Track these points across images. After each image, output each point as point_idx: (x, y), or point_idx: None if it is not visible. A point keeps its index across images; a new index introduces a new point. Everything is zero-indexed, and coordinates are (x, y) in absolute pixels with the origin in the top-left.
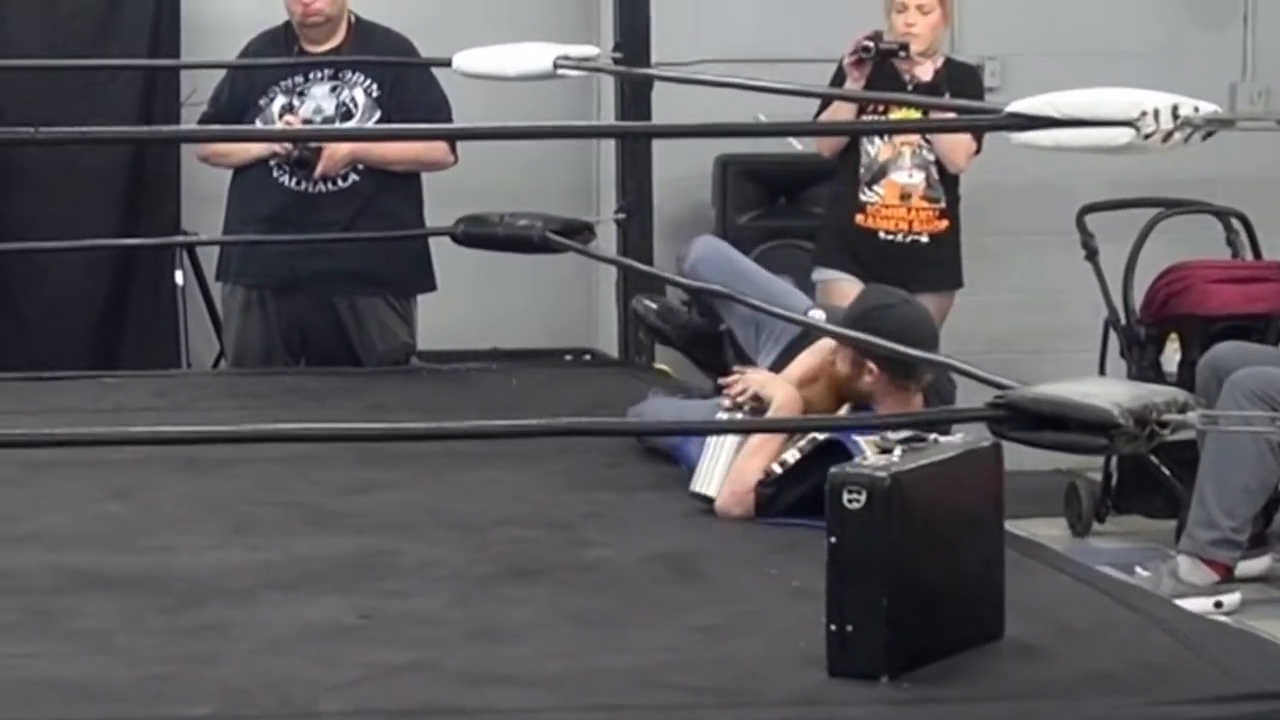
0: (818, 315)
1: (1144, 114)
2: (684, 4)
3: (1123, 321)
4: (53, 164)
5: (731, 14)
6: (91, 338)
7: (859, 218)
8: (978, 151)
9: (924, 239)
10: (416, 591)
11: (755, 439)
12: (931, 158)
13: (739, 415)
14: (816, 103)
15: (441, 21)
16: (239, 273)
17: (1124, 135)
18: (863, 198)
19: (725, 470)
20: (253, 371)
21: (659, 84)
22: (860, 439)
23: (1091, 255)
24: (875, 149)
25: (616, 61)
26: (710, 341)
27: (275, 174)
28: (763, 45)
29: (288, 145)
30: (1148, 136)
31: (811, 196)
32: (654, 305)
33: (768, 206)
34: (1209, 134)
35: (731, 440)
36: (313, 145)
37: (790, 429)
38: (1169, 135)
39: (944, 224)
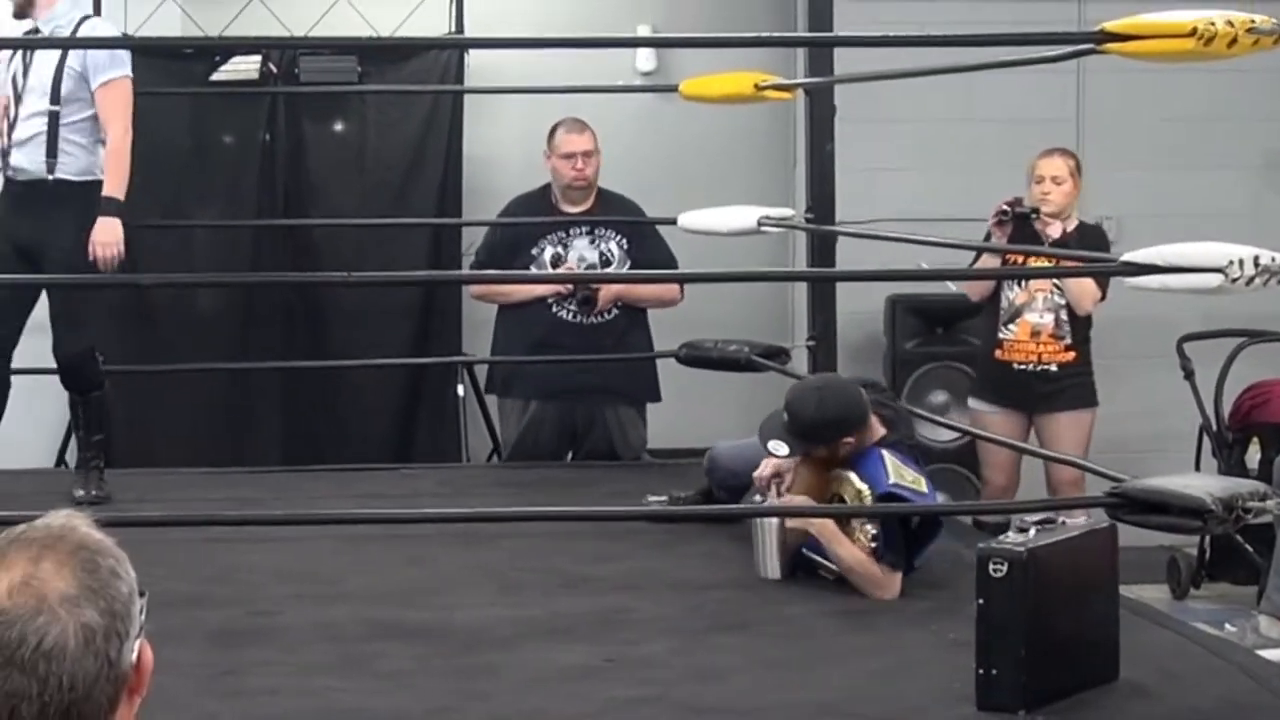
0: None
1: (1231, 262)
2: (861, 175)
3: (1214, 428)
4: (362, 301)
5: (899, 182)
6: (392, 437)
7: (998, 352)
8: (1102, 298)
9: (1053, 368)
10: (647, 641)
11: (829, 530)
12: (1062, 302)
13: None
14: (965, 252)
15: (669, 187)
16: (519, 386)
17: (1215, 280)
18: (1001, 335)
19: (777, 551)
20: (515, 465)
21: (841, 237)
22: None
23: (1189, 375)
24: (1013, 294)
25: (808, 220)
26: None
27: (554, 308)
28: (924, 207)
29: (568, 286)
30: (1234, 281)
31: (963, 328)
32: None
33: (928, 335)
34: None
35: (773, 524)
36: (593, 286)
37: (916, 512)
38: (1251, 280)
39: (1071, 355)
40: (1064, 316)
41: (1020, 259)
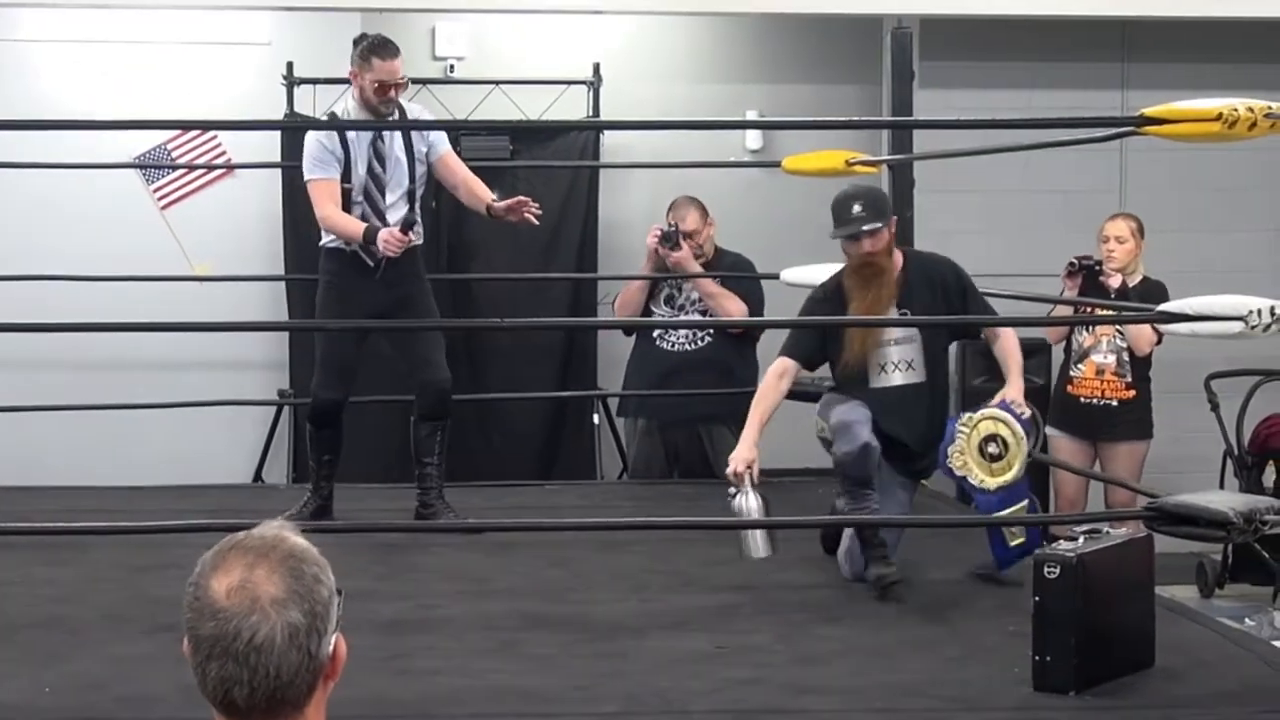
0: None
1: (1251, 312)
2: (936, 237)
3: (1235, 453)
4: (513, 343)
5: (968, 243)
6: (537, 457)
7: (1069, 387)
8: (1158, 342)
9: (1114, 403)
10: (755, 630)
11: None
12: (1123, 345)
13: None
14: (1026, 302)
15: (773, 247)
16: (638, 410)
17: (1236, 327)
18: (1071, 373)
19: (761, 531)
20: (644, 481)
21: None
22: None
23: (1214, 408)
24: (1082, 338)
25: None
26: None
27: (658, 342)
28: (989, 264)
29: (675, 316)
30: (1253, 328)
31: (1024, 368)
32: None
33: (993, 374)
34: None
35: (753, 507)
36: (678, 231)
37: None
38: (1269, 327)
39: (1131, 392)
40: (1125, 358)
41: (1089, 309)
